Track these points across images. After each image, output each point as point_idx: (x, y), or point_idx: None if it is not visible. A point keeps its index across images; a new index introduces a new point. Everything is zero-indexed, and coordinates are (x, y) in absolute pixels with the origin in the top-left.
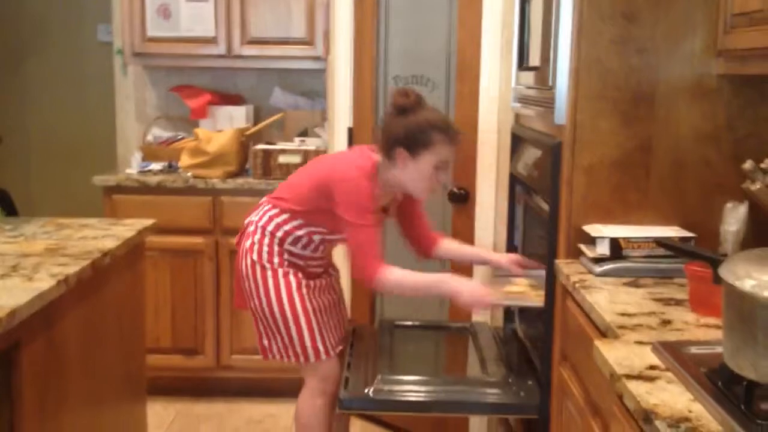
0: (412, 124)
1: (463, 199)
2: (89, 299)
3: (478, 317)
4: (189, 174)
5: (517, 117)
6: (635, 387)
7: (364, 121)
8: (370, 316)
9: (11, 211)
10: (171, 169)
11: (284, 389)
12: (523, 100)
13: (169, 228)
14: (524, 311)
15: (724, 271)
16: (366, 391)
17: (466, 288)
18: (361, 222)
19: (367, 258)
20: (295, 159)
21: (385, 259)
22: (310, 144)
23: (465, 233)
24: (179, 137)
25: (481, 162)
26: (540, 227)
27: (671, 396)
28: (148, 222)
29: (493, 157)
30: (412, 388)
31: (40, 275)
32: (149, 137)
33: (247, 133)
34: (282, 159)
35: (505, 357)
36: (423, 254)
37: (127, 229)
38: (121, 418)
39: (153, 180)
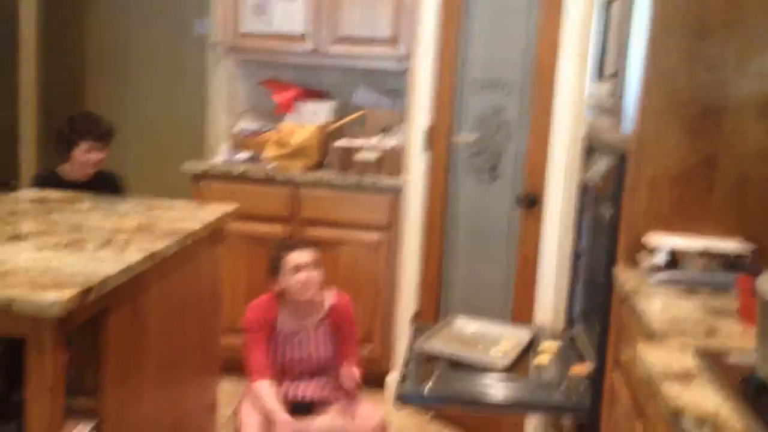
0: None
1: (531, 203)
2: (172, 275)
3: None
4: (271, 165)
5: (590, 126)
6: (669, 387)
7: (442, 122)
8: (435, 312)
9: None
10: (255, 159)
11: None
12: (597, 109)
13: (249, 215)
14: (587, 314)
15: (761, 282)
16: (423, 386)
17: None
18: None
19: (250, 365)
20: (373, 156)
21: (265, 369)
22: (389, 142)
23: (531, 238)
24: (265, 130)
25: (552, 168)
26: (604, 235)
27: (702, 398)
28: (230, 207)
29: (564, 163)
30: (467, 386)
31: (130, 249)
32: (237, 129)
33: (329, 129)
34: (360, 156)
35: (560, 359)
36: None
37: (210, 212)
38: (194, 389)
39: (237, 169)
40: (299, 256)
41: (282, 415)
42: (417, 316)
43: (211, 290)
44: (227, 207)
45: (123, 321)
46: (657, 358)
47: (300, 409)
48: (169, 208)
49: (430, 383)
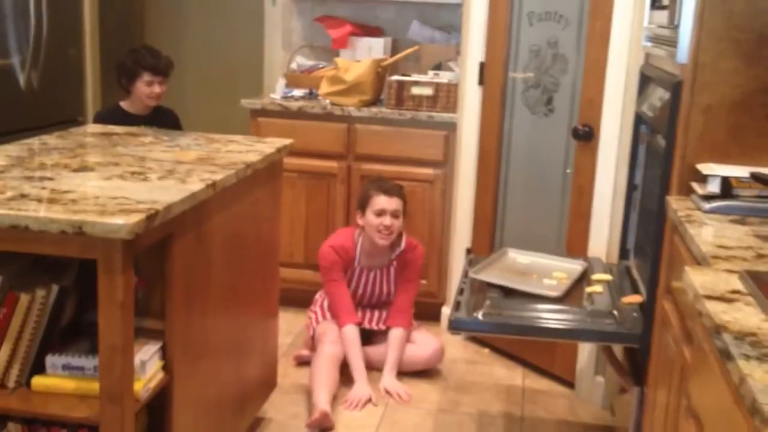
0: (360, 192)
1: (587, 136)
2: (233, 205)
3: (593, 254)
4: (327, 101)
5: (647, 57)
6: (713, 306)
7: (496, 56)
8: (489, 246)
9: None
10: (311, 96)
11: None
12: (654, 39)
13: (306, 151)
14: (641, 246)
15: None
16: (475, 313)
17: (356, 391)
18: (326, 278)
19: (337, 309)
20: (428, 91)
21: (348, 311)
22: (443, 77)
23: (587, 169)
24: (321, 66)
25: (608, 100)
26: (659, 167)
27: (744, 316)
28: (287, 141)
29: (620, 95)
30: (519, 313)
31: (191, 179)
32: (293, 65)
33: (384, 64)
34: (415, 90)
35: (613, 290)
36: (387, 321)
37: (267, 146)
38: (255, 317)
39: (294, 105)
40: (384, 202)
41: (362, 384)
42: (471, 250)
43: (269, 221)
44: (284, 141)
45: (187, 247)
46: (703, 280)
47: (363, 334)
48: (228, 142)
49: (483, 310)
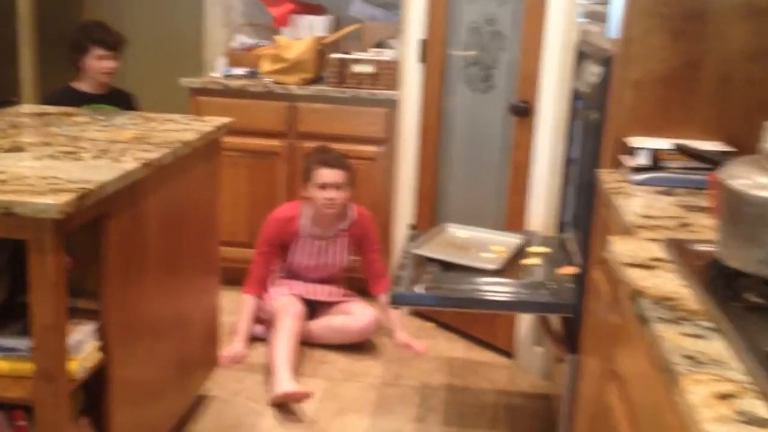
0: (304, 163)
1: (524, 111)
2: (169, 184)
3: (532, 228)
4: (269, 79)
5: (583, 33)
6: (633, 273)
7: (436, 33)
8: (431, 222)
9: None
10: (253, 74)
11: (353, 286)
12: (588, 15)
13: (248, 130)
14: (577, 219)
15: (723, 172)
16: (416, 288)
17: (229, 348)
18: (257, 247)
19: (252, 277)
20: (369, 69)
21: (258, 283)
22: (385, 55)
23: (524, 145)
24: (262, 44)
25: (545, 76)
26: (593, 141)
27: (663, 282)
28: (226, 120)
29: (556, 71)
30: (459, 286)
31: (126, 158)
32: (234, 43)
33: (325, 41)
34: (356, 68)
35: (550, 262)
36: (370, 291)
37: (206, 125)
38: (195, 295)
39: (235, 84)
40: (327, 174)
41: (239, 342)
42: (415, 227)
43: (208, 200)
44: (223, 120)
45: (122, 226)
46: (626, 248)
47: (309, 308)
48: (165, 121)
49: (424, 284)
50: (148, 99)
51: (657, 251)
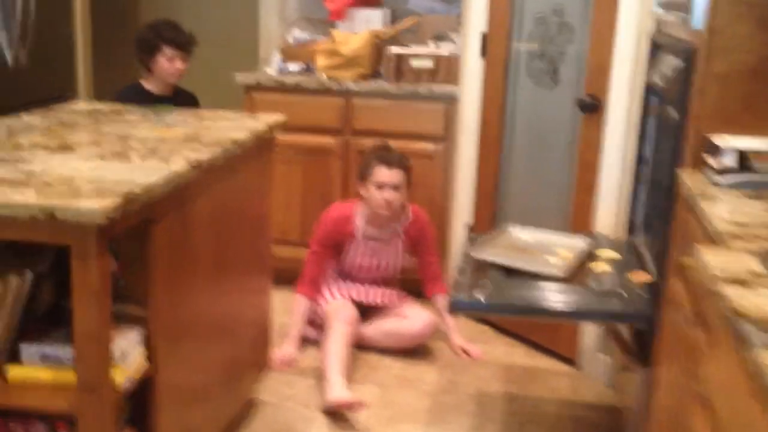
0: (362, 161)
1: (593, 107)
2: (220, 184)
3: (600, 230)
4: (324, 75)
5: (659, 24)
6: (730, 290)
7: (498, 26)
8: (491, 222)
9: None
10: (308, 70)
11: (408, 288)
12: (665, 5)
13: (303, 127)
14: (649, 222)
15: None
16: (476, 294)
17: (280, 350)
18: (311, 246)
19: (304, 277)
20: (428, 64)
21: (311, 284)
22: (444, 49)
23: (592, 142)
24: (317, 39)
25: (616, 70)
26: (670, 139)
27: (765, 301)
28: (279, 117)
29: (629, 65)
30: (522, 294)
31: (175, 159)
32: (289, 38)
33: (382, 36)
34: (414, 63)
35: (620, 268)
36: (426, 293)
37: (258, 122)
38: (247, 297)
39: (290, 80)
40: (385, 174)
41: (291, 344)
42: (473, 227)
43: (260, 200)
44: (276, 117)
45: (170, 229)
46: (718, 260)
47: (360, 311)
48: (218, 119)
49: (485, 291)
50: (204, 95)
51: (754, 264)
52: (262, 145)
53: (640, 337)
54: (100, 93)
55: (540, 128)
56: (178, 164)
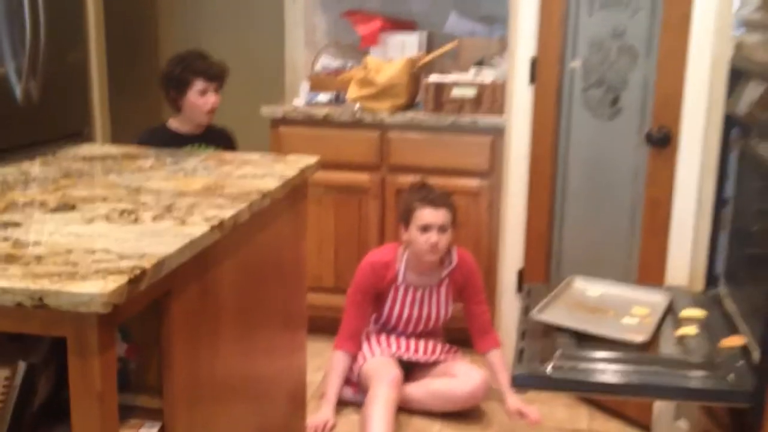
0: (401, 203)
1: (663, 141)
2: (246, 243)
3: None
4: (356, 106)
5: (739, 47)
6: None
7: (550, 50)
8: (544, 268)
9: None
10: (338, 101)
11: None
12: (747, 24)
13: (334, 163)
14: (733, 272)
15: None
16: (544, 367)
17: (316, 416)
18: (349, 296)
19: (343, 331)
20: (470, 92)
21: (350, 338)
22: (487, 75)
23: (663, 180)
24: (348, 66)
25: (689, 99)
26: (760, 178)
27: None
28: (312, 160)
29: (704, 92)
30: (597, 366)
31: (193, 219)
32: (318, 66)
33: (419, 63)
34: (456, 92)
35: (708, 329)
36: (476, 349)
37: (289, 167)
38: (280, 359)
39: (320, 112)
40: (430, 215)
41: (328, 408)
42: (524, 273)
43: (293, 254)
44: (308, 159)
45: (189, 303)
46: None
47: (403, 368)
48: (242, 163)
49: (553, 363)
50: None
51: None
52: (294, 192)
53: (739, 417)
54: (118, 128)
55: (598, 163)
56: (197, 226)
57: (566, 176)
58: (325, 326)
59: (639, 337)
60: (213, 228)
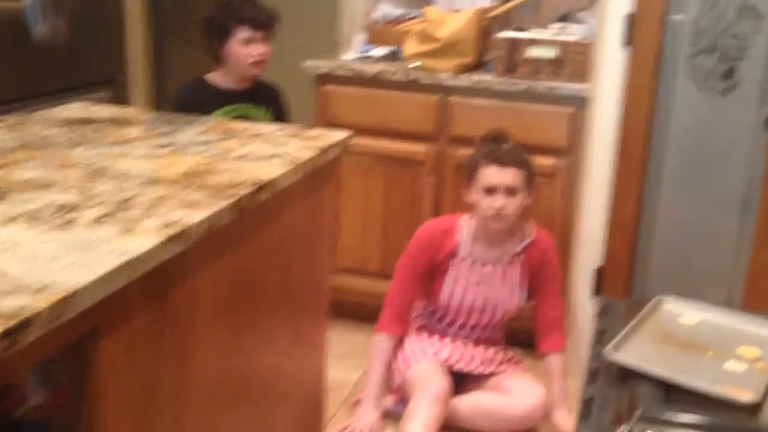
0: (467, 158)
1: None
2: (233, 249)
3: None
4: (414, 64)
5: None
6: None
7: (649, 5)
8: (627, 267)
9: (279, 115)
10: (395, 56)
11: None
12: None
13: (385, 130)
14: None
15: None
16: (620, 430)
17: (360, 417)
18: (399, 266)
19: (387, 308)
20: (550, 53)
21: (396, 319)
22: (572, 33)
23: None
24: (411, 16)
25: None
26: None
27: None
28: (340, 136)
29: None
30: None
31: (148, 223)
32: (377, 14)
33: (491, 15)
34: (533, 52)
35: None
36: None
37: (307, 145)
38: (292, 364)
39: (371, 70)
40: (495, 175)
41: (370, 406)
42: (603, 272)
43: (311, 253)
44: (336, 135)
45: (133, 338)
46: None
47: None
48: (251, 137)
49: (630, 427)
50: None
51: None
52: (312, 179)
53: None
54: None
55: (704, 148)
56: (146, 237)
57: (662, 161)
58: (367, 315)
59: (746, 396)
60: (169, 240)
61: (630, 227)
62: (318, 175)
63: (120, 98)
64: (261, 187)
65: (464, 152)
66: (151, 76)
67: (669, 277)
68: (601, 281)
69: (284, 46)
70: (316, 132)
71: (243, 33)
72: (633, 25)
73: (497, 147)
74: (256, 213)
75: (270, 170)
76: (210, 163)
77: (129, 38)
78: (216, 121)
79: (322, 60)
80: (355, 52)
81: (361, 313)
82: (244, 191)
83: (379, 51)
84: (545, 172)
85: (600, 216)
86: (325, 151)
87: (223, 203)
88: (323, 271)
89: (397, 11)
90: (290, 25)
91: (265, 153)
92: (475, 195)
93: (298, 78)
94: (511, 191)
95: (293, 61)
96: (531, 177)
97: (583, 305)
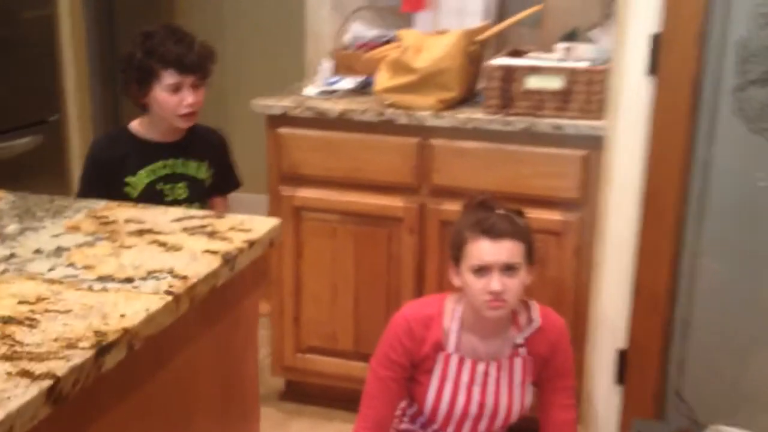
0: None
1: None
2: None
3: None
4: (388, 101)
5: None
6: None
7: (683, 24)
8: (660, 355)
9: (219, 169)
10: (366, 88)
11: None
12: None
13: (355, 181)
14: None
15: None
16: None
17: None
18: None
19: (362, 418)
20: (554, 83)
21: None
22: (580, 56)
23: None
24: (386, 38)
25: None
26: None
27: None
28: (268, 225)
29: None
30: None
31: None
32: (347, 36)
33: (479, 38)
34: (533, 82)
35: None
36: None
37: (214, 247)
38: None
39: (335, 108)
40: (489, 250)
41: None
42: (627, 356)
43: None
44: (265, 223)
45: None
46: None
47: None
48: (134, 235)
49: None
50: (233, 123)
51: None
52: (217, 297)
53: None
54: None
55: (755, 203)
56: None
57: (702, 216)
58: (339, 400)
59: None
60: None
61: (661, 300)
62: (229, 289)
63: (54, 141)
64: (111, 344)
65: (450, 206)
66: (93, 114)
67: (711, 363)
68: (625, 366)
69: (240, 77)
70: (234, 220)
71: (168, 78)
72: (660, 47)
73: (487, 215)
74: (115, 378)
75: (138, 306)
76: (50, 297)
77: (63, 75)
78: (103, 206)
79: (275, 97)
80: (318, 85)
81: (330, 397)
82: (75, 362)
83: (348, 83)
84: (552, 230)
85: (622, 285)
86: (232, 256)
87: (34, 390)
88: (249, 384)
89: (371, 33)
90: (249, 51)
91: (142, 270)
92: (463, 277)
93: (256, 117)
94: (509, 269)
95: (250, 96)
96: (532, 249)
97: (604, 394)
